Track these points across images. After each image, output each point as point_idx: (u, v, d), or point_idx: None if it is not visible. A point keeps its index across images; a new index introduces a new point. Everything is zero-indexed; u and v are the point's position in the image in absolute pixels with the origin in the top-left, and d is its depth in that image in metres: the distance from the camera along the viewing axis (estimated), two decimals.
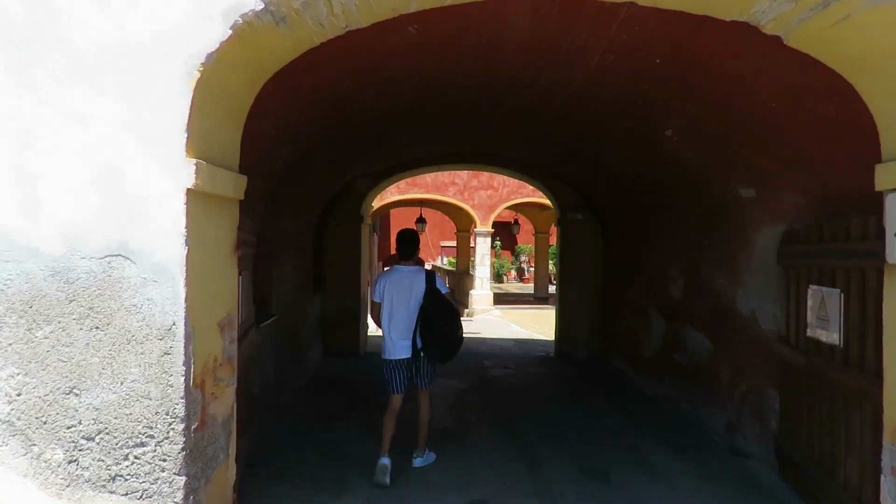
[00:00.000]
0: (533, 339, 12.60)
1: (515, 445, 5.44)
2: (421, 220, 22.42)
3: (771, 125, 4.04)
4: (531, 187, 20.65)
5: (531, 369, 8.99)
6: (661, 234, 7.03)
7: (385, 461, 4.46)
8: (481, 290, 20.33)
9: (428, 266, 5.19)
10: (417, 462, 4.81)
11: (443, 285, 4.71)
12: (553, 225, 10.55)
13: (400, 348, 4.59)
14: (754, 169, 4.69)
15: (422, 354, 4.59)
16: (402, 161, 9.53)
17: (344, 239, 9.78)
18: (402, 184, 20.32)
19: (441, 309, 4.55)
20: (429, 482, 4.59)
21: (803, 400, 4.12)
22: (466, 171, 20.42)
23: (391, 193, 20.38)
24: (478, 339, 12.48)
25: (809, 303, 4.00)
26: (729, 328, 5.41)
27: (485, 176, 20.49)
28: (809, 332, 4.02)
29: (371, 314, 4.91)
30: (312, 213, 8.28)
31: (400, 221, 33.04)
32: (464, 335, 4.77)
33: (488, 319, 17.95)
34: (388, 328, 4.62)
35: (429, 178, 20.37)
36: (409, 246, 4.75)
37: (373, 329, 14.64)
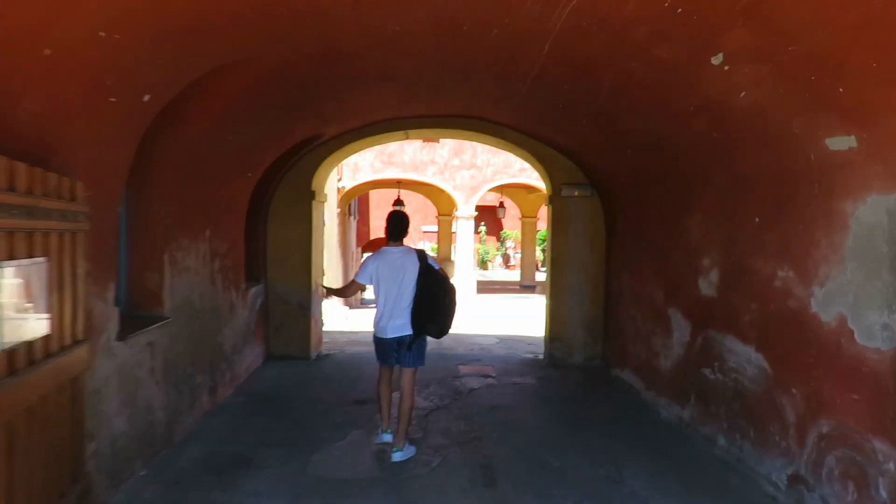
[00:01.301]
0: (519, 337, 10.99)
1: None
2: (399, 203, 20.68)
3: None
4: (518, 167, 18.99)
5: (517, 378, 7.37)
6: (687, 210, 5.39)
7: (387, 437, 4.72)
8: (463, 279, 18.68)
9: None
10: (397, 456, 4.53)
11: (434, 262, 4.69)
12: (544, 205, 8.91)
13: (394, 327, 4.57)
14: (861, 102, 3.04)
15: (416, 331, 4.56)
16: (360, 124, 7.81)
17: (291, 219, 8.06)
18: (377, 162, 18.62)
19: (440, 286, 4.57)
20: None
21: None
22: (447, 149, 18.74)
23: (365, 173, 18.66)
24: (455, 337, 10.85)
25: None
26: (799, 342, 3.79)
27: (467, 154, 18.82)
28: None
29: (345, 294, 5.09)
30: (242, 182, 6.55)
31: (380, 205, 31.17)
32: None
33: (470, 310, 16.34)
34: (382, 308, 4.61)
35: (406, 156, 18.67)
36: (397, 227, 4.74)
37: (331, 324, 12.88)
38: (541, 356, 8.68)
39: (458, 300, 4.70)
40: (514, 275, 28.13)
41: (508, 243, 33.49)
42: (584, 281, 7.91)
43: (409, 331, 4.54)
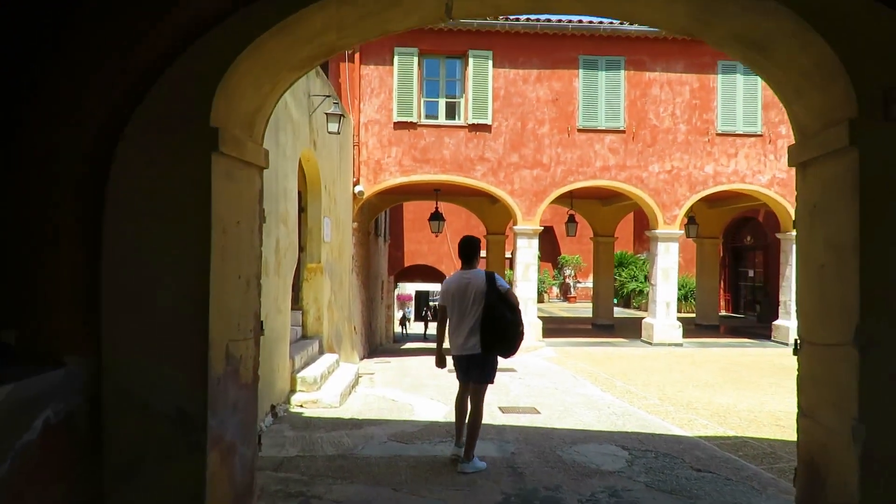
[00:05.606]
0: (658, 438, 5.84)
1: None
2: (436, 217, 15.84)
3: None
4: (598, 165, 13.89)
5: None
6: None
7: (458, 450, 4.89)
8: (525, 319, 13.54)
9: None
10: (463, 467, 4.77)
11: (503, 283, 4.92)
12: (806, 159, 3.97)
13: (462, 346, 4.84)
14: None
15: (484, 349, 4.78)
16: None
17: (160, 201, 3.20)
18: (406, 159, 13.81)
19: (505, 307, 4.78)
20: None
21: None
22: (502, 141, 13.80)
23: (390, 173, 13.86)
24: (539, 440, 5.76)
25: None
26: None
27: (529, 148, 13.86)
28: None
29: (442, 327, 5.16)
30: None
31: (415, 225, 26.27)
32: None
33: (540, 369, 11.18)
34: (454, 328, 4.92)
35: (447, 150, 13.83)
36: (465, 253, 5.02)
37: (336, 394, 7.51)
38: None
39: (524, 326, 4.93)
40: (579, 310, 22.92)
41: (567, 271, 28.25)
42: None
43: (476, 350, 4.78)
